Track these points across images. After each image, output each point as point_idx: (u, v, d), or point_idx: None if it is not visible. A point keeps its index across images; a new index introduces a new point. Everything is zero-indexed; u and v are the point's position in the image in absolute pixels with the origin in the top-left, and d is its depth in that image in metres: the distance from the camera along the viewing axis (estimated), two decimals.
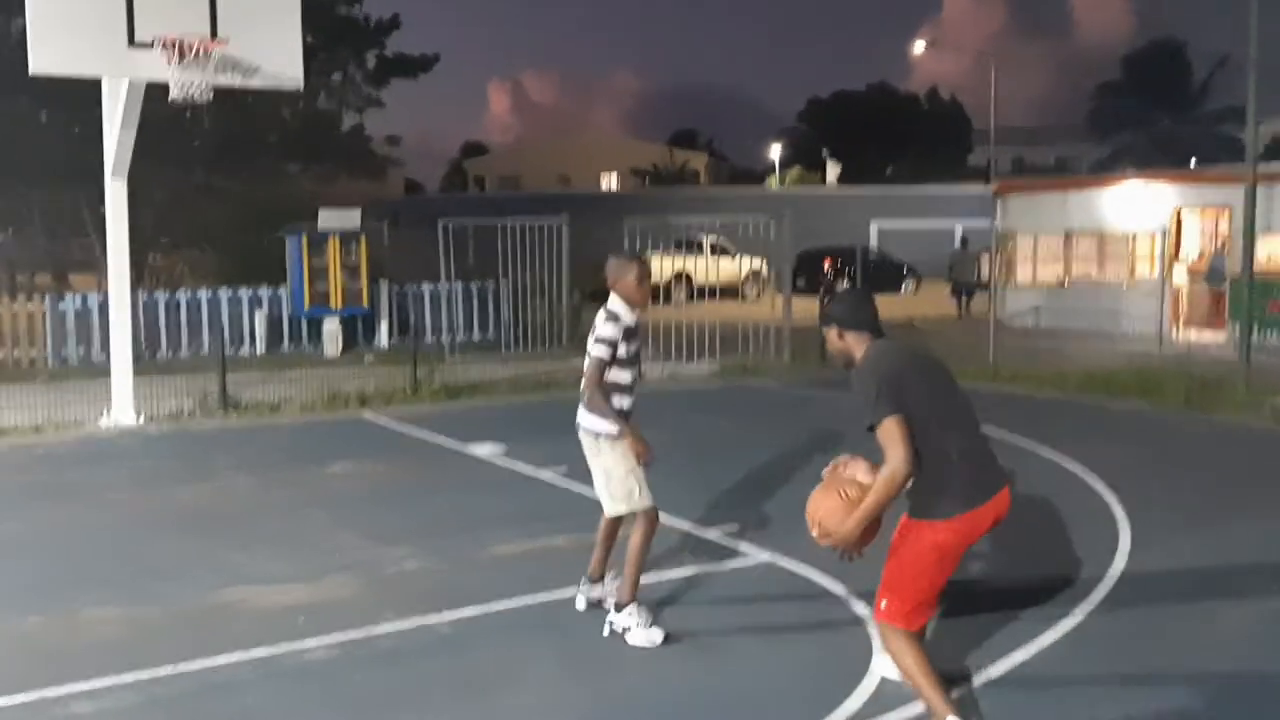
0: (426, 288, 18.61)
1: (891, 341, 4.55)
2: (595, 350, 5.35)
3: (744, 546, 6.95)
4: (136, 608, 5.98)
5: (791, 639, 5.53)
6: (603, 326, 5.38)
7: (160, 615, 5.88)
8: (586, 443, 5.54)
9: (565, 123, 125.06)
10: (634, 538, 5.43)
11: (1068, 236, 20.82)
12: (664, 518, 7.37)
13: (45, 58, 9.80)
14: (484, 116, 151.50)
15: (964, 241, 26.93)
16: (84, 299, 16.45)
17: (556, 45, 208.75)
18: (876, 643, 5.24)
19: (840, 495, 4.47)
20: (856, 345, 4.52)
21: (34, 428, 11.10)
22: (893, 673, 4.72)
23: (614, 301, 5.46)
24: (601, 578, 5.82)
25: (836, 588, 6.12)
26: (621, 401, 5.45)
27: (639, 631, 5.36)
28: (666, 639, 5.35)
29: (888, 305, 21.01)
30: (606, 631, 5.42)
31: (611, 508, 5.54)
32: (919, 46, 41.45)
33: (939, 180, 46.48)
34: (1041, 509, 7.96)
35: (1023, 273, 21.73)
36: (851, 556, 4.52)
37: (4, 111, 20.66)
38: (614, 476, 5.43)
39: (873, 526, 4.40)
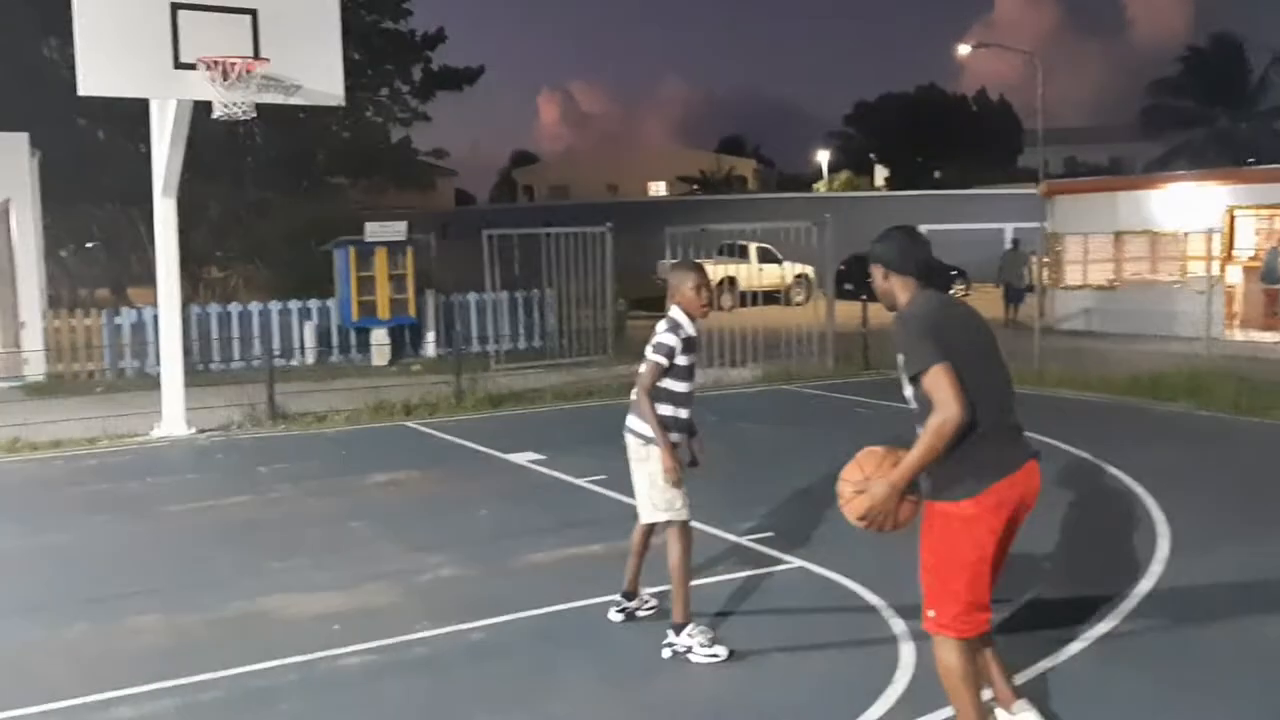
0: (473, 297, 18.81)
1: (941, 294, 4.23)
2: (652, 356, 5.34)
3: (781, 553, 6.95)
4: (179, 615, 6.12)
5: (827, 648, 5.53)
6: (663, 335, 5.37)
7: (201, 623, 6.02)
8: (634, 446, 5.48)
9: (614, 131, 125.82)
10: (674, 556, 5.38)
11: (1118, 237, 20.55)
12: (701, 525, 7.43)
13: (93, 79, 10.07)
14: (534, 126, 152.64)
15: (1015, 243, 26.66)
16: (139, 313, 16.83)
17: (606, 55, 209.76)
18: (896, 632, 5.24)
19: (875, 455, 4.15)
20: (902, 290, 4.17)
21: (88, 439, 11.38)
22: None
23: (675, 311, 5.44)
24: (636, 592, 5.85)
25: (872, 597, 6.10)
26: (679, 412, 5.42)
27: (701, 651, 5.29)
28: (730, 655, 5.27)
29: None
30: (668, 654, 5.32)
31: (650, 515, 5.50)
32: (965, 48, 41.12)
33: (989, 182, 46.04)
34: (1081, 514, 7.89)
35: (1072, 274, 21.48)
36: (886, 525, 4.08)
37: (65, 132, 21.22)
38: (658, 483, 5.39)
39: (911, 505, 4.08)
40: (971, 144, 58.31)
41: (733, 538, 7.29)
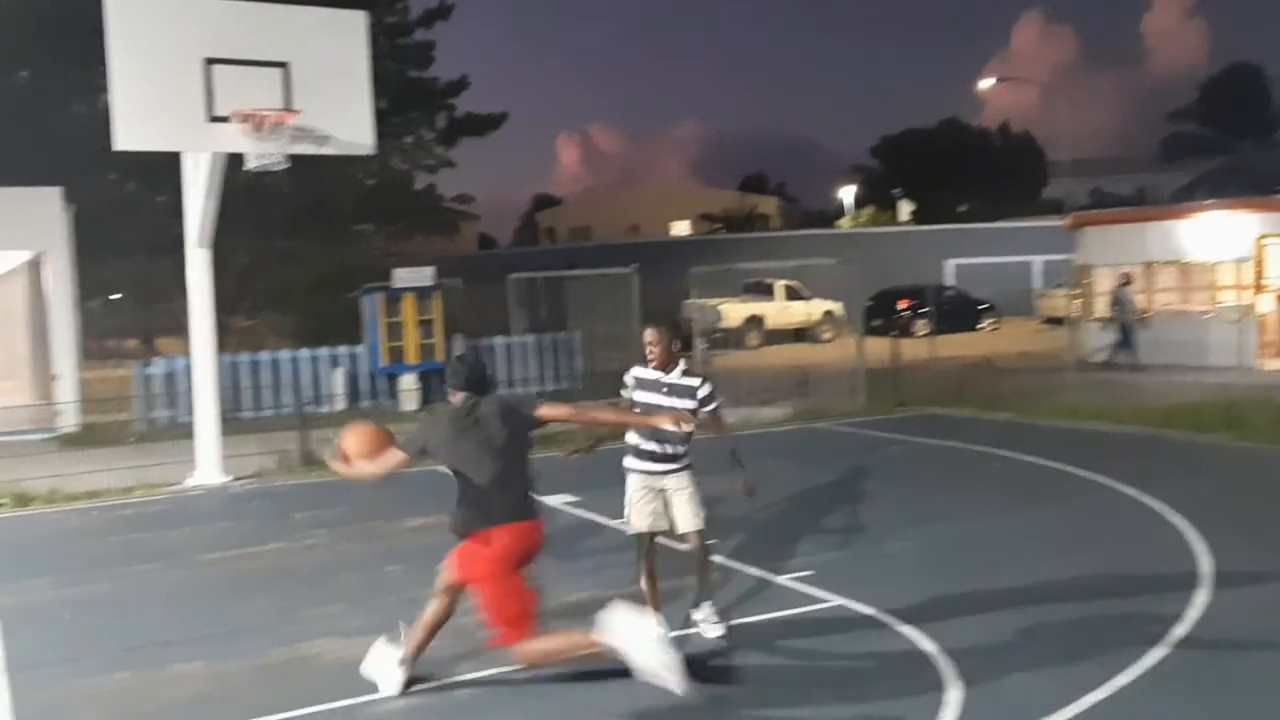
0: (500, 341, 18.89)
1: (459, 408, 5.52)
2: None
3: (817, 591, 6.91)
4: (220, 663, 6.13)
5: (871, 687, 5.47)
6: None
7: (243, 670, 6.02)
8: (688, 476, 6.17)
9: (634, 172, 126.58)
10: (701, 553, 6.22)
11: (1147, 268, 20.44)
12: (739, 564, 7.41)
13: (130, 135, 10.24)
14: (554, 169, 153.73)
15: (1126, 278, 25.86)
16: (170, 363, 16.98)
17: (623, 96, 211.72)
18: (941, 671, 5.19)
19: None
20: (452, 397, 5.63)
21: (124, 489, 11.45)
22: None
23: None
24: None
25: (910, 632, 6.05)
26: (641, 443, 6.21)
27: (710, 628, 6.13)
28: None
29: (966, 343, 20.90)
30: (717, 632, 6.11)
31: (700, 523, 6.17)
32: (987, 83, 41.22)
33: (1014, 215, 45.96)
34: (1121, 546, 7.81)
35: (1103, 308, 21.36)
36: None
37: (94, 186, 21.55)
38: (697, 498, 6.15)
39: None
40: (996, 177, 58.28)
41: (771, 576, 7.25)
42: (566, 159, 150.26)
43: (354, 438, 5.52)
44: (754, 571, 7.33)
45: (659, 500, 6.20)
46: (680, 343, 6.30)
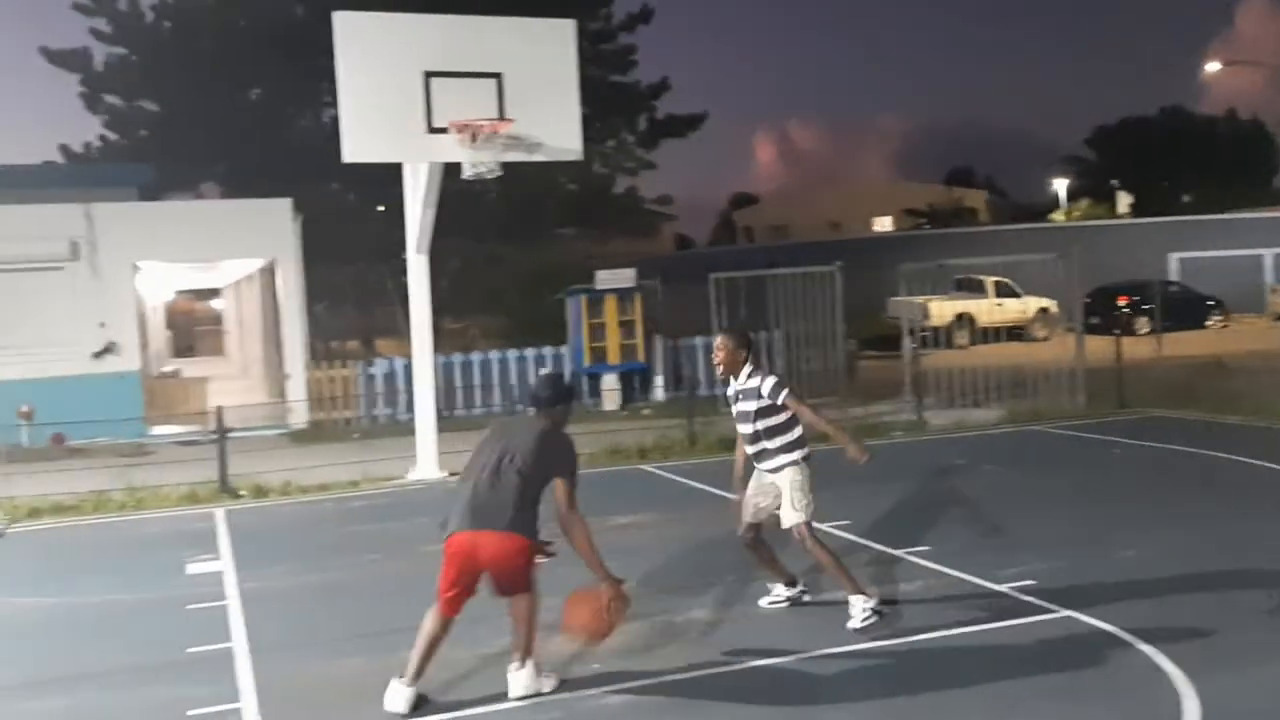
0: (700, 341, 18.95)
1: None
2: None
3: (1040, 601, 6.63)
4: (447, 650, 6.35)
5: (1102, 701, 5.23)
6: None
7: (470, 657, 6.24)
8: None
9: (834, 168, 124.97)
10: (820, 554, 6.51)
11: None
12: (958, 572, 7.20)
13: (357, 148, 10.80)
14: (751, 168, 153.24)
15: None
16: (390, 363, 17.82)
17: (822, 92, 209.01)
18: (1177, 685, 4.90)
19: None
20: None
21: (350, 482, 12.09)
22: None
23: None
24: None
25: (1142, 645, 5.74)
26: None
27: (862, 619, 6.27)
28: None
29: (1191, 341, 19.71)
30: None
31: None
32: (1212, 66, 38.67)
33: (1243, 206, 42.99)
34: None
35: None
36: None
37: (319, 196, 22.85)
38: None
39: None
40: (1222, 166, 54.67)
41: (993, 585, 7.00)
42: (764, 156, 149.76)
43: (575, 611, 5.76)
44: (973, 579, 7.10)
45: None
46: (746, 351, 6.61)
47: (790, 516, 6.47)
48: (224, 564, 8.75)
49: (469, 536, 5.53)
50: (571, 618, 5.72)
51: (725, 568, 7.91)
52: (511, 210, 27.75)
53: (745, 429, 6.57)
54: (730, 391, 6.66)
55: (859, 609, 6.29)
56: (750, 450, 6.61)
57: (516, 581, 5.60)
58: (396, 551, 9.03)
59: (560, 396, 5.86)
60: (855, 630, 6.21)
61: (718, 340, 6.73)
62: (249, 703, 5.70)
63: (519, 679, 5.59)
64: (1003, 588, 6.94)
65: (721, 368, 6.64)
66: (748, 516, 6.70)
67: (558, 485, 5.62)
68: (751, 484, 6.66)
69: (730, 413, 6.70)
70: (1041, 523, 8.68)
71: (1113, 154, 60.64)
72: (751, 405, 6.49)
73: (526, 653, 5.62)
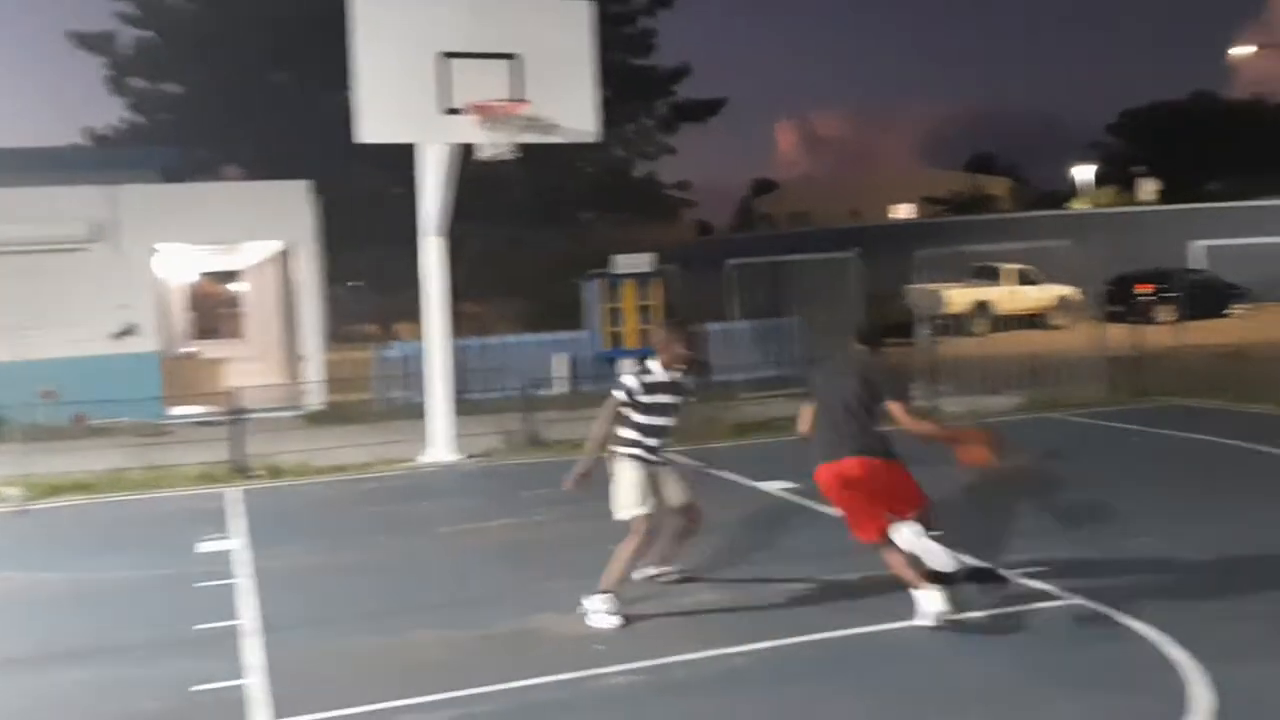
0: (717, 327, 18.91)
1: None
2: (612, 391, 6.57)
3: (1051, 587, 6.59)
4: (453, 631, 6.40)
5: (1111, 687, 5.19)
6: (626, 376, 6.59)
7: (475, 639, 6.27)
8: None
9: (855, 155, 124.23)
10: (629, 542, 6.45)
11: None
12: (967, 557, 7.16)
13: (371, 128, 10.81)
14: (772, 154, 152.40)
15: None
16: (406, 346, 17.85)
17: (844, 79, 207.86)
18: (1185, 674, 4.85)
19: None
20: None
21: (364, 464, 12.13)
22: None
23: (653, 359, 6.59)
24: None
25: (1150, 632, 5.70)
26: (644, 439, 6.51)
27: (600, 618, 6.27)
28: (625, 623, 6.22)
29: (1215, 330, 19.51)
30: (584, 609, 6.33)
31: (619, 512, 6.53)
32: (1243, 50, 38.12)
33: (1271, 194, 42.46)
34: None
35: None
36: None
37: (339, 178, 22.89)
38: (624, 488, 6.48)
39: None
40: (1250, 152, 54.00)
41: (1003, 571, 6.96)
42: (785, 143, 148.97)
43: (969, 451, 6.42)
44: (982, 565, 7.05)
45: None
46: (684, 344, 6.60)
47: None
48: (236, 543, 8.80)
49: (832, 468, 6.30)
50: (967, 455, 6.37)
51: (736, 554, 7.91)
52: (532, 194, 27.76)
53: (657, 421, 6.55)
54: (660, 380, 6.52)
55: (599, 602, 6.33)
56: (658, 442, 6.61)
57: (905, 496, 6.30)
58: (407, 532, 9.07)
59: (878, 332, 6.71)
60: (589, 612, 6.34)
61: (668, 334, 6.69)
62: (255, 679, 5.73)
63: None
64: (1014, 573, 6.89)
65: (664, 361, 6.57)
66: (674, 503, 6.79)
67: (892, 407, 6.30)
68: (659, 477, 6.64)
69: (646, 401, 6.51)
70: (1055, 510, 8.62)
71: (1139, 140, 60.05)
72: (679, 399, 6.63)
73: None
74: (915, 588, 5.98)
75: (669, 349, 6.58)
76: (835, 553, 7.57)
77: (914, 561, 6.03)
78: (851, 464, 6.26)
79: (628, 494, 6.49)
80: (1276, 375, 15.11)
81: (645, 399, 6.50)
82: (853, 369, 6.51)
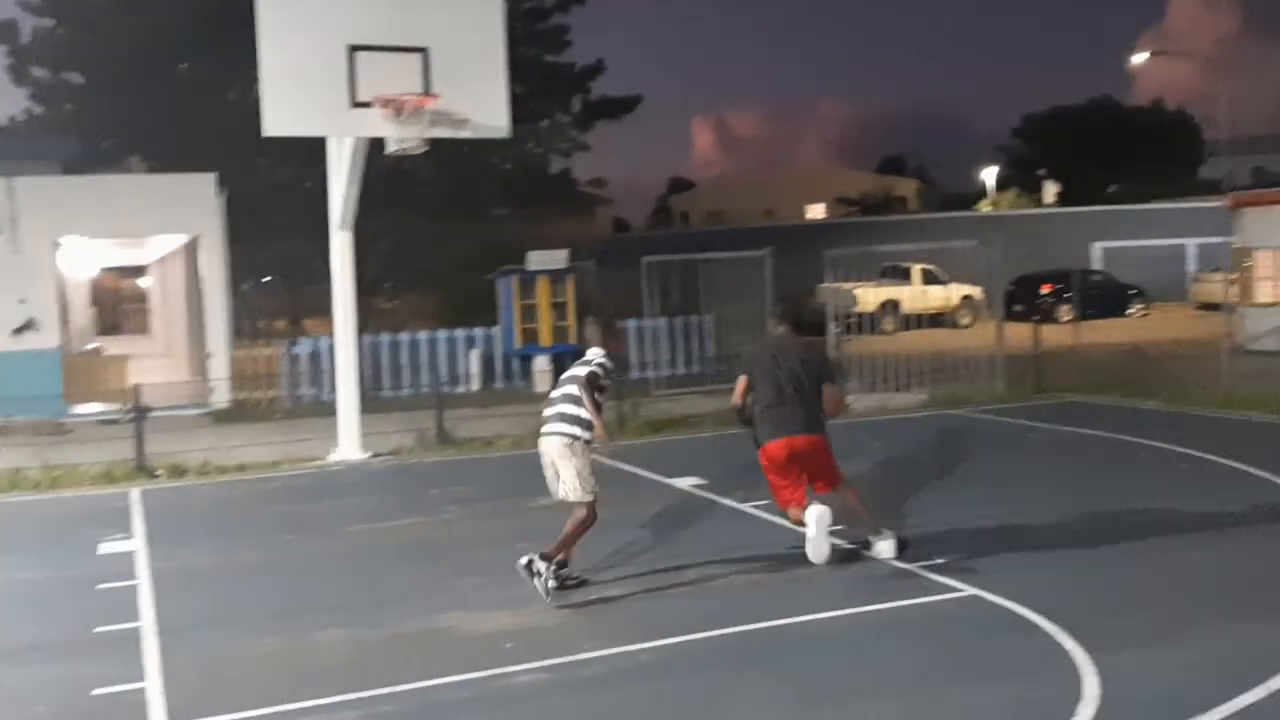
0: (632, 324, 18.97)
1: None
2: (598, 371, 6.83)
3: (951, 580, 6.76)
4: (360, 631, 6.35)
5: (998, 675, 5.36)
6: (604, 360, 6.92)
7: (381, 638, 6.22)
8: (561, 446, 6.75)
9: (770, 155, 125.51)
10: (580, 517, 6.77)
11: None
12: (865, 551, 7.30)
13: (278, 121, 10.60)
14: (689, 153, 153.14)
15: None
16: (316, 343, 17.59)
17: (759, 79, 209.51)
18: (1078, 663, 5.03)
19: None
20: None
21: (271, 463, 11.93)
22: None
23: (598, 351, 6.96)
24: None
25: (1045, 623, 5.88)
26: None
27: (543, 583, 6.52)
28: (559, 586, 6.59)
29: (1112, 329, 20.09)
30: (524, 561, 6.56)
31: (580, 496, 6.74)
32: (1140, 57, 39.44)
33: (1168, 196, 43.94)
34: (1276, 542, 7.43)
35: (1263, 291, 20.26)
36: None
37: (247, 172, 22.44)
38: (585, 474, 6.74)
39: None
40: (1148, 157, 55.77)
41: (902, 564, 7.12)
42: (702, 142, 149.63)
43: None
44: (882, 559, 7.21)
45: None
46: (617, 339, 7.28)
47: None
48: (137, 544, 8.60)
49: (785, 442, 6.85)
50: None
51: (645, 549, 7.96)
52: (446, 190, 27.52)
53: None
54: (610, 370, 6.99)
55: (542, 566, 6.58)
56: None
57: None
58: (313, 532, 8.96)
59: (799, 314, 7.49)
60: (549, 589, 6.55)
61: (599, 326, 7.14)
62: (154, 681, 5.62)
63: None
64: (912, 566, 7.06)
65: (612, 350, 7.05)
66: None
67: (828, 389, 7.08)
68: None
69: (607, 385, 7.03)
70: (954, 504, 8.83)
71: (1043, 143, 61.61)
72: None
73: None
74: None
75: (614, 342, 7.08)
76: (743, 547, 7.70)
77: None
78: (803, 440, 6.84)
79: (586, 479, 6.77)
80: (1168, 373, 15.67)
81: (604, 383, 6.88)
82: (795, 349, 7.06)
